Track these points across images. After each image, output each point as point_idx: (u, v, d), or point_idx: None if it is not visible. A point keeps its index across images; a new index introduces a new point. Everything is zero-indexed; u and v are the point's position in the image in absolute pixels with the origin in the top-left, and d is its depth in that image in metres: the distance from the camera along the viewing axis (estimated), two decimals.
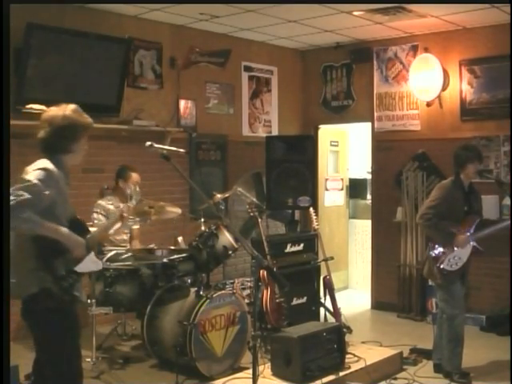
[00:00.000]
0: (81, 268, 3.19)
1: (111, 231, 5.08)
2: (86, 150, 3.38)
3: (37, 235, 3.05)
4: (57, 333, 3.17)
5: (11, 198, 2.93)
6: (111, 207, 5.47)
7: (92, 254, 3.29)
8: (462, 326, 4.88)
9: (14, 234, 3.17)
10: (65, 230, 3.13)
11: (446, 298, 4.85)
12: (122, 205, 5.42)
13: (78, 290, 3.23)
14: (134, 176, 5.65)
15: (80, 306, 3.39)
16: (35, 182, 3.03)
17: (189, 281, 5.38)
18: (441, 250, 4.79)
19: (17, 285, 3.11)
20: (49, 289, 3.08)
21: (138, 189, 5.63)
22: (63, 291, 3.12)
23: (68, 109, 3.27)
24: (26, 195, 2.96)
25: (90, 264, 3.27)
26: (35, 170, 3.10)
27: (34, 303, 3.13)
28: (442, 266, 4.74)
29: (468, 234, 4.74)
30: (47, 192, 3.06)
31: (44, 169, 3.11)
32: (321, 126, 8.31)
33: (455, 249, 4.75)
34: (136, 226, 5.81)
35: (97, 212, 5.39)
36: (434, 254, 4.80)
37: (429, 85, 6.94)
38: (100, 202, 5.49)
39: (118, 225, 4.84)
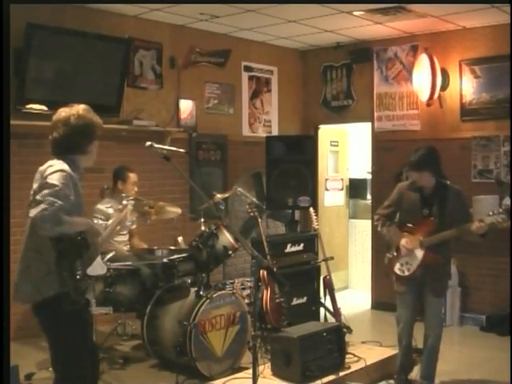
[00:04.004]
0: (91, 271, 3.18)
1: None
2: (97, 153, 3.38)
3: (57, 237, 3.02)
4: (71, 333, 3.17)
5: (43, 205, 2.89)
6: (110, 210, 5.37)
7: (99, 258, 3.28)
8: (403, 336, 4.56)
9: (27, 236, 3.16)
10: (87, 220, 3.22)
11: (397, 305, 4.62)
12: (121, 207, 5.42)
13: (89, 294, 3.24)
14: (132, 176, 5.63)
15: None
16: (61, 186, 2.99)
17: (189, 281, 5.37)
18: (394, 253, 4.54)
19: (33, 288, 3.10)
20: (66, 292, 3.06)
21: (135, 189, 5.62)
22: (80, 294, 3.11)
23: (81, 108, 3.26)
24: (59, 202, 2.93)
25: (98, 267, 3.25)
26: (55, 173, 3.05)
27: (52, 305, 3.10)
28: (393, 270, 4.53)
29: (420, 238, 4.38)
30: (72, 196, 3.05)
31: (63, 170, 3.07)
32: (321, 126, 8.31)
33: (403, 253, 4.45)
34: (134, 226, 5.81)
35: (96, 217, 5.31)
36: (389, 256, 4.58)
37: (426, 85, 6.93)
38: (99, 206, 5.42)
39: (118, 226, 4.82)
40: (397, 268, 4.53)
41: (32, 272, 3.10)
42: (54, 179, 3.01)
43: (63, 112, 3.24)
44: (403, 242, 4.44)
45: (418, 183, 4.49)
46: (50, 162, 3.14)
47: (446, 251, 4.50)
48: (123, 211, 3.99)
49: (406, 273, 4.48)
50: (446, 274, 4.64)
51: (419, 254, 4.41)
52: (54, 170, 3.06)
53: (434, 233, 4.36)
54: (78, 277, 3.06)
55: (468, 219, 4.38)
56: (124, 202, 4.14)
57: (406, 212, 4.54)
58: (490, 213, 4.22)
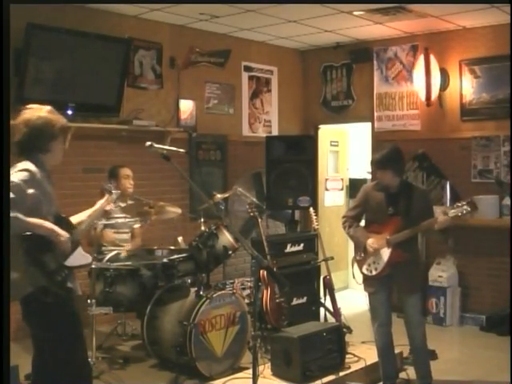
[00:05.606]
0: (70, 262, 3.27)
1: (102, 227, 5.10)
2: (65, 150, 3.45)
3: (24, 233, 3.11)
4: (56, 330, 3.21)
5: None
6: (112, 207, 5.41)
7: (80, 248, 3.36)
8: (378, 338, 4.52)
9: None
10: (50, 224, 3.21)
11: (369, 306, 4.56)
12: (122, 204, 5.42)
13: (71, 282, 3.30)
14: (122, 170, 5.64)
15: (77, 300, 3.45)
16: (17, 182, 3.11)
17: (189, 281, 5.37)
18: (361, 254, 4.50)
19: (13, 286, 3.14)
20: (43, 286, 3.14)
21: (131, 182, 5.62)
22: (57, 285, 3.19)
23: (43, 110, 3.35)
24: (10, 195, 3.03)
25: (80, 258, 3.35)
26: (17, 172, 3.17)
27: (32, 302, 3.18)
28: (362, 271, 4.51)
29: (387, 237, 4.35)
30: (30, 191, 3.14)
31: (26, 169, 3.19)
32: (321, 126, 8.31)
33: (370, 253, 4.41)
34: (137, 225, 5.80)
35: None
36: (357, 258, 4.55)
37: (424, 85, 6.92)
38: None
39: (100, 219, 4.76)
40: (364, 268, 4.50)
41: (13, 271, 3.16)
42: (13, 177, 3.13)
43: (25, 114, 3.33)
44: (370, 241, 4.41)
45: (382, 182, 4.47)
46: (16, 164, 3.25)
47: (414, 248, 4.49)
48: (104, 201, 3.88)
49: (374, 272, 4.44)
50: (417, 270, 4.57)
51: (386, 252, 4.38)
52: (17, 169, 3.19)
53: (400, 231, 4.33)
54: (53, 268, 3.16)
55: (432, 216, 4.36)
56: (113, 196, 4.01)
57: (372, 212, 4.51)
58: (454, 206, 4.24)
